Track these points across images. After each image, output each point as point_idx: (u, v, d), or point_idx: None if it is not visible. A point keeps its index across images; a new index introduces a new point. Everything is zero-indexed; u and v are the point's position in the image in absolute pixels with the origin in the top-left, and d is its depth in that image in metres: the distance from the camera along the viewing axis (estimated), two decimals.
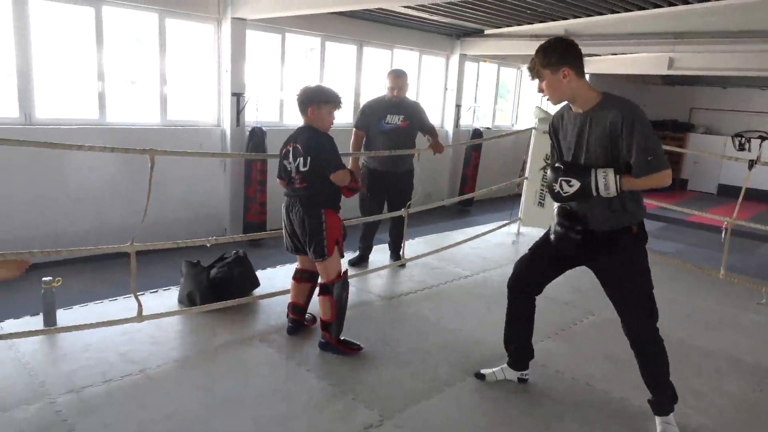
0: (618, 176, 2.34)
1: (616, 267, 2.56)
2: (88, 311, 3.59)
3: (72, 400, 2.66)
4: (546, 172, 5.87)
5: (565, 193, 2.43)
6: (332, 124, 3.24)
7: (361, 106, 4.78)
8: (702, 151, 12.28)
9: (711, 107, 13.55)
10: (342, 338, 3.27)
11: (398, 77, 4.57)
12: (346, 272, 3.26)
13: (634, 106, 2.35)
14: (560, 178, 2.43)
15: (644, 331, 2.57)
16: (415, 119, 4.67)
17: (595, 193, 2.37)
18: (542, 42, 2.49)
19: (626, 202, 2.45)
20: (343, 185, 3.15)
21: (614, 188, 2.34)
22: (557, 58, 2.39)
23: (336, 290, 3.19)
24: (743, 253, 7.15)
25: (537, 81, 2.53)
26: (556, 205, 2.65)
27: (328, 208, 3.16)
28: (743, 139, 12.83)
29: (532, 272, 2.79)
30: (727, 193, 12.17)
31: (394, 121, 4.58)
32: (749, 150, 12.70)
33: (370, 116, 4.60)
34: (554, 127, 2.65)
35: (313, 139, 3.12)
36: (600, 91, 2.44)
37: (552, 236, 2.63)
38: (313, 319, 3.57)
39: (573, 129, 2.49)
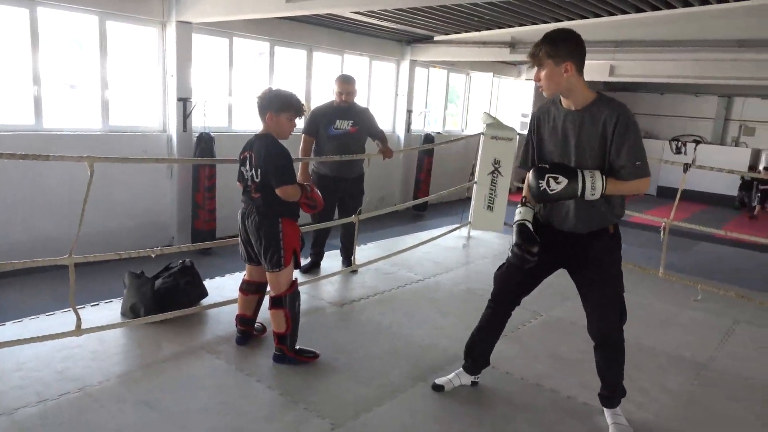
0: (604, 178, 2.35)
1: (592, 268, 2.56)
2: (23, 327, 3.40)
3: (3, 423, 2.50)
4: (494, 176, 5.98)
5: (551, 190, 2.37)
6: (292, 132, 3.13)
7: (310, 111, 4.73)
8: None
9: (650, 112, 14.15)
10: (297, 347, 3.21)
11: (346, 82, 4.56)
12: (296, 281, 3.20)
13: (628, 110, 2.36)
14: (547, 175, 2.37)
15: (612, 332, 2.60)
16: (364, 125, 4.67)
17: (580, 194, 2.35)
18: (549, 30, 2.41)
19: (612, 203, 2.47)
20: (293, 200, 3.03)
21: (600, 190, 2.34)
22: (565, 51, 2.34)
23: (288, 302, 3.12)
24: (681, 251, 7.49)
25: (534, 70, 2.45)
26: (516, 220, 2.57)
27: (285, 216, 3.06)
28: (680, 142, 13.47)
29: (515, 284, 2.74)
30: (666, 194, 12.71)
31: (344, 127, 4.56)
32: (685, 153, 13.35)
33: (319, 122, 4.56)
34: (538, 120, 2.59)
35: (264, 149, 3.01)
36: (595, 91, 2.43)
37: (510, 255, 2.58)
38: (263, 328, 3.51)
39: (562, 125, 2.46)
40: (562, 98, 2.47)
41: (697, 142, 13.40)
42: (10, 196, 5.40)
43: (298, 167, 4.68)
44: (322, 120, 4.55)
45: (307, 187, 3.14)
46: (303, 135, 4.63)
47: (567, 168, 2.41)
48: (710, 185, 12.34)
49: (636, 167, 2.33)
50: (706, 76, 9.51)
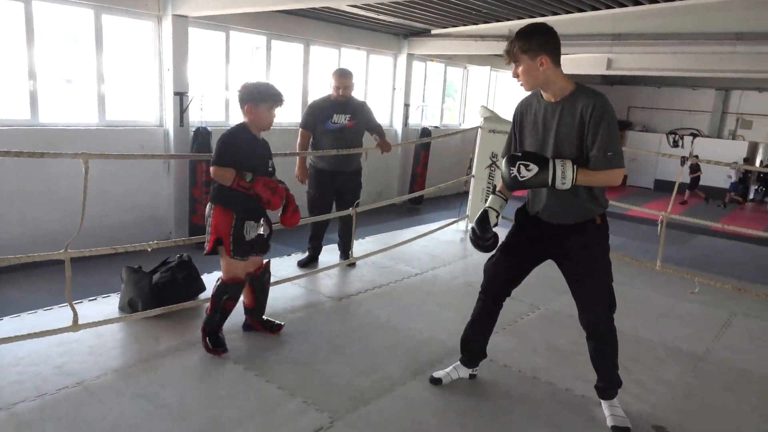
0: (575, 168, 2.35)
1: (579, 259, 2.58)
2: (20, 322, 3.40)
3: (2, 417, 2.51)
4: (492, 170, 5.98)
5: (522, 177, 2.38)
6: (272, 123, 3.13)
7: (307, 105, 4.72)
8: (639, 149, 12.80)
9: (647, 106, 14.17)
10: (213, 335, 3.20)
11: (343, 76, 4.54)
12: (234, 281, 3.16)
13: (606, 100, 2.36)
14: (518, 162, 2.39)
15: (601, 323, 2.62)
16: (361, 119, 4.65)
17: (550, 183, 2.36)
18: (522, 27, 2.44)
19: (595, 193, 2.47)
20: (224, 184, 3.00)
21: (570, 180, 2.34)
22: (538, 44, 2.36)
23: (216, 288, 3.17)
24: (678, 244, 7.51)
25: (511, 66, 2.48)
26: (484, 207, 2.66)
27: (218, 203, 3.07)
28: (677, 136, 13.48)
29: (505, 274, 2.76)
30: (663, 187, 12.75)
31: (341, 121, 4.55)
32: (682, 146, 13.37)
33: (317, 116, 4.55)
34: (520, 113, 2.61)
35: (222, 134, 3.10)
36: (574, 82, 2.43)
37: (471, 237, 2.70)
38: (276, 326, 3.49)
39: (542, 117, 2.48)
40: (542, 91, 2.49)
41: (695, 136, 13.42)
42: (6, 191, 5.38)
43: (296, 161, 4.69)
44: (320, 114, 4.54)
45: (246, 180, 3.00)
46: (300, 129, 4.62)
47: (539, 156, 2.42)
48: (707, 178, 12.37)
49: (607, 157, 2.32)
50: (703, 69, 9.51)
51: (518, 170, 2.40)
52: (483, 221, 2.62)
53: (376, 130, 4.78)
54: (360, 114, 4.64)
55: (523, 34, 2.40)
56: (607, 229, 2.59)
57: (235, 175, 2.99)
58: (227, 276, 3.17)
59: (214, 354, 3.16)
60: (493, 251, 2.77)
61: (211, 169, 3.03)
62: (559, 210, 2.53)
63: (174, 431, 2.50)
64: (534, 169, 2.37)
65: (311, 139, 4.61)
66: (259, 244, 3.21)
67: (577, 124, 2.37)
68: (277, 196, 3.06)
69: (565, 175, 2.34)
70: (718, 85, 13.16)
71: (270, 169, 3.21)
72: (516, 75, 2.47)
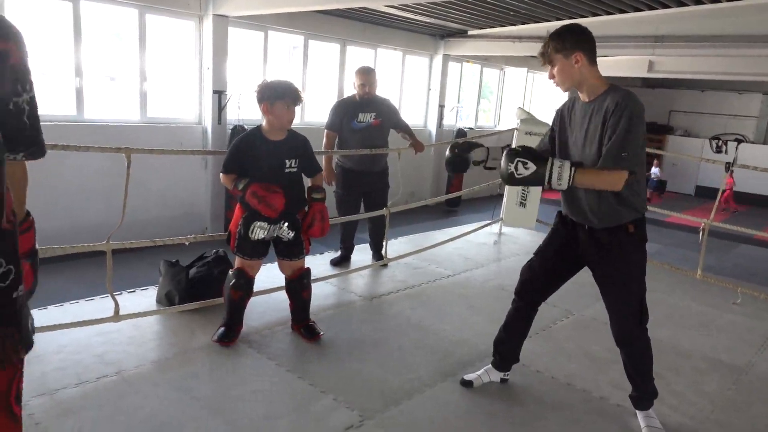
0: (573, 169, 2.28)
1: (607, 266, 2.52)
2: (63, 311, 3.51)
3: (45, 402, 2.60)
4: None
5: (518, 174, 2.35)
6: (291, 120, 3.11)
7: (332, 106, 4.72)
8: (680, 153, 12.47)
9: (689, 110, 13.78)
10: (226, 328, 3.26)
11: (366, 74, 4.52)
12: (239, 270, 3.22)
13: (637, 100, 2.29)
14: (517, 159, 2.34)
15: (630, 333, 2.55)
16: (387, 117, 4.63)
17: (547, 183, 2.32)
18: (556, 29, 2.44)
19: (623, 195, 2.37)
20: (229, 188, 3.16)
21: (567, 181, 2.28)
22: (571, 43, 2.34)
23: (227, 278, 3.28)
24: (720, 253, 7.29)
25: (547, 68, 2.47)
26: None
27: (239, 201, 3.19)
28: (720, 141, 13.08)
29: (541, 278, 2.72)
30: (705, 194, 12.37)
31: (366, 120, 4.54)
32: (726, 152, 12.96)
33: (342, 116, 4.54)
34: (561, 113, 2.58)
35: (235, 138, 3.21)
36: (609, 83, 2.39)
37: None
38: (312, 330, 3.45)
39: (579, 118, 2.44)
40: (578, 92, 2.46)
41: (739, 141, 12.99)
42: (52, 185, 5.57)
43: (321, 161, 4.69)
44: (345, 114, 4.53)
45: (259, 189, 2.97)
46: (325, 130, 4.62)
47: (538, 155, 2.37)
48: (753, 186, 11.97)
49: (620, 156, 2.23)
50: (749, 72, 9.20)
51: (516, 167, 2.35)
52: (469, 144, 2.80)
53: (403, 128, 4.76)
54: (385, 112, 4.63)
55: (557, 34, 2.39)
56: (643, 237, 2.49)
57: (233, 181, 3.06)
58: (235, 265, 3.26)
59: (219, 344, 3.21)
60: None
61: (222, 174, 3.16)
62: (586, 211, 2.47)
63: (208, 424, 2.54)
64: (531, 167, 2.32)
65: (337, 140, 4.62)
66: (287, 248, 3.22)
67: (602, 122, 2.32)
68: (263, 205, 2.97)
69: (561, 175, 2.28)
70: (766, 89, 12.70)
71: (288, 169, 3.14)
72: (552, 76, 2.45)
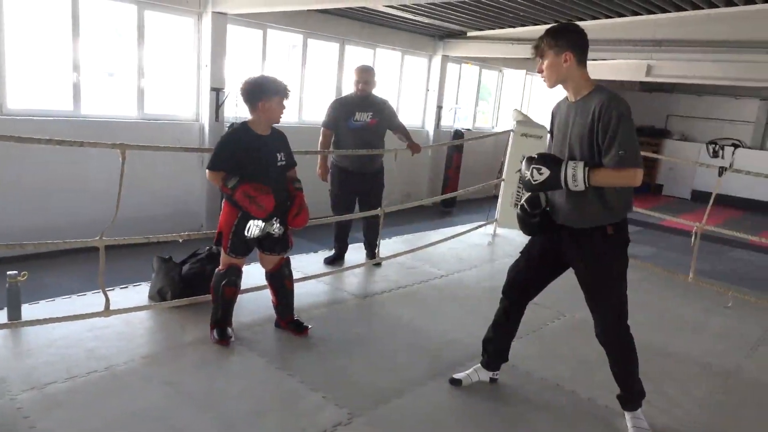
0: (587, 169, 2.32)
1: (588, 267, 2.55)
2: (55, 306, 3.52)
3: (34, 396, 2.60)
4: (520, 173, 5.91)
5: (535, 180, 2.40)
6: (282, 115, 3.12)
7: (330, 103, 4.72)
8: (676, 158, 12.49)
9: (687, 114, 13.79)
10: (220, 328, 3.25)
11: (364, 71, 4.53)
12: (229, 266, 3.21)
13: (622, 100, 2.33)
14: (532, 166, 2.41)
15: (612, 333, 2.58)
16: (384, 116, 4.63)
17: (563, 185, 2.35)
18: (553, 25, 2.52)
19: (607, 198, 2.40)
20: (217, 186, 3.15)
21: (582, 181, 2.31)
22: (564, 42, 2.40)
23: (215, 279, 3.24)
24: (713, 257, 7.30)
25: (537, 61, 2.51)
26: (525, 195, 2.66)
27: (228, 200, 3.15)
28: (717, 146, 13.09)
29: (526, 277, 2.75)
30: (701, 198, 12.38)
31: (363, 119, 4.54)
32: (722, 157, 12.97)
33: (339, 114, 4.55)
34: (553, 114, 2.66)
35: (222, 136, 3.18)
36: (595, 83, 2.43)
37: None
38: (305, 328, 3.48)
39: (565, 117, 2.50)
40: (565, 91, 2.51)
41: (735, 146, 13.01)
42: (48, 180, 5.57)
43: (317, 160, 4.69)
44: (342, 112, 4.54)
45: (251, 189, 2.98)
46: (322, 128, 4.62)
47: (552, 158, 2.42)
48: (749, 191, 11.99)
49: (620, 156, 2.27)
50: (747, 78, 9.21)
51: (531, 174, 2.41)
52: (534, 199, 2.60)
53: (400, 129, 4.77)
54: (382, 111, 4.63)
55: (553, 30, 2.45)
56: (623, 239, 2.51)
57: (222, 180, 3.03)
58: (223, 264, 3.23)
59: (220, 345, 3.20)
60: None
61: (208, 171, 3.10)
62: (568, 212, 2.50)
63: (197, 420, 2.55)
64: (546, 172, 2.38)
65: (333, 138, 4.62)
66: (274, 244, 3.23)
67: (589, 124, 2.35)
68: (254, 206, 2.98)
69: (576, 177, 2.32)
70: (763, 95, 12.71)
71: (280, 162, 3.18)
72: (540, 70, 2.50)
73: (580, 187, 2.33)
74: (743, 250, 8.18)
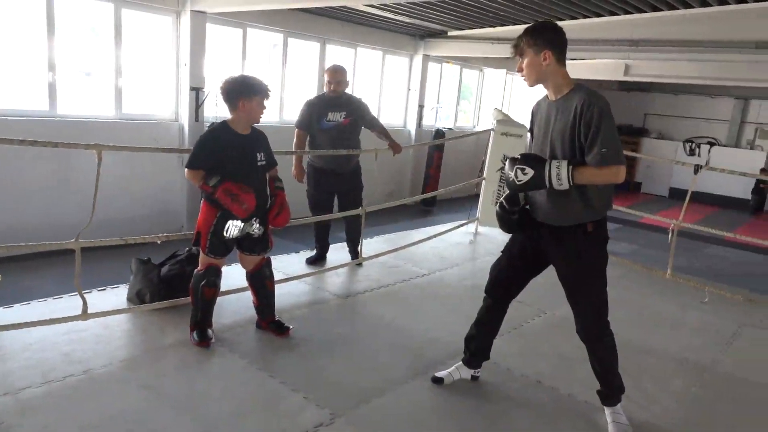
0: (570, 168, 2.33)
1: (568, 265, 2.57)
2: (31, 309, 3.45)
3: (8, 402, 2.55)
4: (502, 173, 5.96)
5: (519, 181, 2.41)
6: (262, 115, 3.10)
7: (303, 104, 4.69)
8: (654, 156, 12.68)
9: (664, 113, 14.01)
10: (200, 329, 3.21)
11: (335, 71, 4.51)
12: (208, 266, 3.18)
13: (602, 98, 2.35)
14: (516, 167, 2.42)
15: (592, 329, 2.61)
16: (357, 115, 4.61)
17: (548, 184, 2.36)
18: (533, 24, 2.52)
19: (588, 196, 2.42)
20: (196, 184, 3.08)
21: (566, 180, 2.33)
22: (543, 40, 2.40)
23: (194, 280, 3.21)
24: (690, 254, 7.42)
25: (517, 60, 2.52)
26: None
27: (206, 200, 3.11)
28: (693, 144, 13.32)
29: (508, 275, 2.77)
30: (679, 196, 12.57)
31: (336, 119, 4.52)
32: (699, 155, 13.21)
33: (312, 115, 4.52)
34: (533, 114, 2.67)
35: (201, 135, 3.13)
36: (575, 82, 2.44)
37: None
38: (280, 327, 3.46)
39: (545, 116, 2.51)
40: (545, 90, 2.52)
41: (711, 144, 13.25)
42: (24, 181, 5.46)
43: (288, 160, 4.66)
44: (315, 113, 4.51)
45: (231, 189, 2.95)
46: (296, 129, 4.59)
47: (535, 158, 2.43)
48: (724, 188, 12.22)
49: (602, 154, 2.29)
50: (722, 77, 9.38)
51: (515, 174, 2.42)
52: (513, 197, 2.60)
53: (377, 127, 4.75)
54: (356, 111, 4.61)
55: (532, 29, 2.46)
56: (602, 237, 2.54)
57: (202, 178, 2.99)
58: (202, 264, 3.20)
59: (200, 346, 3.17)
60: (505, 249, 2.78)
61: (186, 170, 3.05)
62: (549, 210, 2.51)
63: (176, 422, 2.52)
64: (530, 172, 2.38)
65: (308, 138, 4.60)
66: (253, 244, 3.21)
67: (570, 122, 2.36)
68: (237, 204, 2.95)
69: (560, 176, 2.33)
70: (737, 94, 12.96)
71: (260, 162, 3.17)
72: (520, 69, 2.51)
73: (565, 186, 2.34)
74: (719, 246, 8.33)
